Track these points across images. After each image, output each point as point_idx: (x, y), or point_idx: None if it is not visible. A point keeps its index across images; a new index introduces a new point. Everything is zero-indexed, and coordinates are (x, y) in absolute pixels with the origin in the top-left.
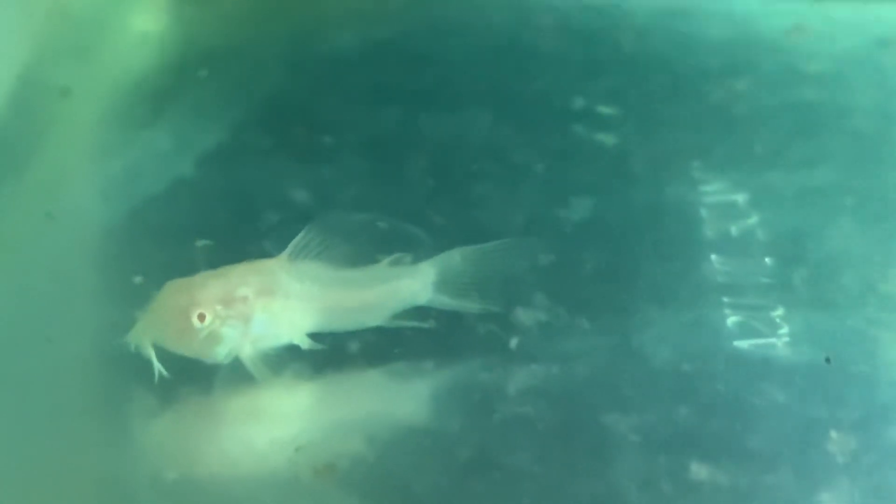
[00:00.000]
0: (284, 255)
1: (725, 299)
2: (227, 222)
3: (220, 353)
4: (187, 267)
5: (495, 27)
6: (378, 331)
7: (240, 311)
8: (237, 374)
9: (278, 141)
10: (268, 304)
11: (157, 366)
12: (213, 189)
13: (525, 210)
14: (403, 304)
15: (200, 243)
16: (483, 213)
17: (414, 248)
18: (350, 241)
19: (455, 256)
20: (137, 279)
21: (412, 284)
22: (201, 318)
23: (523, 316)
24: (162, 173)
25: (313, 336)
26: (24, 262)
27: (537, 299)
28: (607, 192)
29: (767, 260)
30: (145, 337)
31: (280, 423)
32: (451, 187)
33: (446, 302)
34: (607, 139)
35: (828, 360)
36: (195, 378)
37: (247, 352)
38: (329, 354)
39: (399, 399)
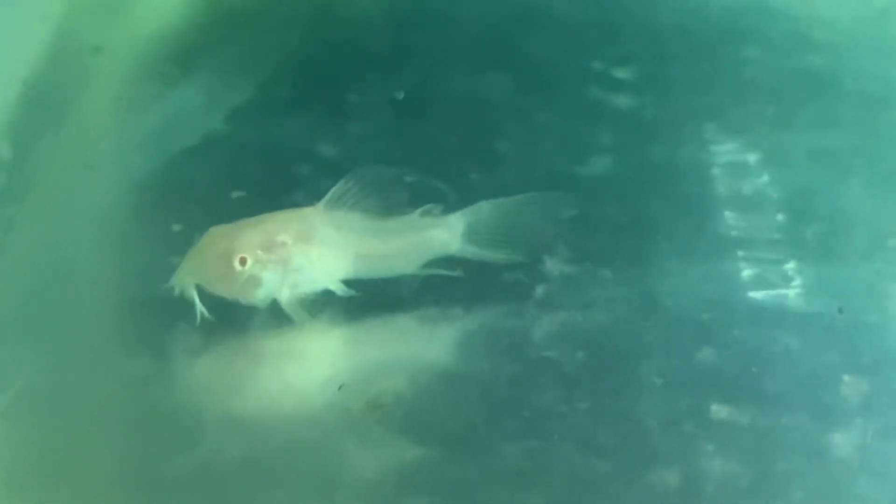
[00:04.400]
0: (321, 204)
1: (740, 253)
2: (258, 175)
3: (260, 296)
4: (223, 217)
5: None
6: (409, 278)
7: (279, 256)
8: (275, 317)
9: (304, 99)
10: (306, 251)
11: (200, 307)
12: (244, 143)
13: (546, 167)
14: (433, 253)
15: (235, 194)
16: (505, 170)
17: (440, 202)
18: (383, 192)
19: (483, 208)
20: (176, 227)
21: (442, 234)
22: (242, 261)
23: (548, 266)
24: (194, 128)
25: (347, 282)
26: (67, 210)
27: (561, 251)
28: (624, 151)
29: (779, 216)
30: (188, 279)
31: (319, 363)
32: (473, 145)
33: (474, 252)
34: (623, 101)
35: (840, 310)
36: (235, 320)
37: (285, 295)
38: (362, 300)
39: (430, 343)
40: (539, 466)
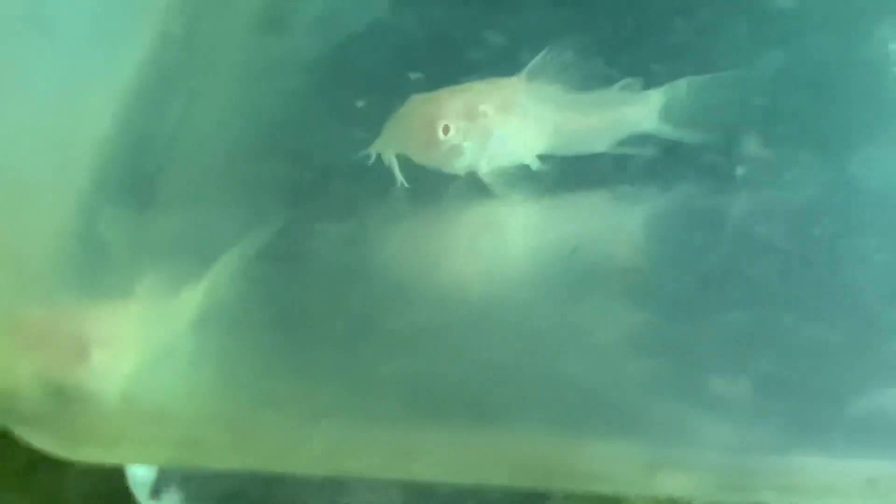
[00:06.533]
0: (522, 74)
1: None
2: (430, 60)
3: (459, 166)
4: (403, 96)
5: None
6: (603, 156)
7: (481, 126)
8: (472, 187)
9: None
10: (506, 121)
11: (399, 175)
12: (411, 31)
13: (724, 59)
14: (629, 130)
15: (413, 76)
16: (683, 61)
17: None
18: (582, 66)
19: (682, 85)
20: (359, 103)
21: (639, 110)
22: (445, 130)
23: (745, 147)
24: (359, 15)
25: (543, 158)
26: (245, 84)
27: (756, 132)
28: (797, 48)
29: None
30: (389, 147)
31: (521, 233)
32: (645, 38)
33: (670, 130)
34: (787, 3)
35: None
36: (432, 188)
37: (483, 166)
38: (557, 176)
39: (630, 218)
40: (763, 334)
